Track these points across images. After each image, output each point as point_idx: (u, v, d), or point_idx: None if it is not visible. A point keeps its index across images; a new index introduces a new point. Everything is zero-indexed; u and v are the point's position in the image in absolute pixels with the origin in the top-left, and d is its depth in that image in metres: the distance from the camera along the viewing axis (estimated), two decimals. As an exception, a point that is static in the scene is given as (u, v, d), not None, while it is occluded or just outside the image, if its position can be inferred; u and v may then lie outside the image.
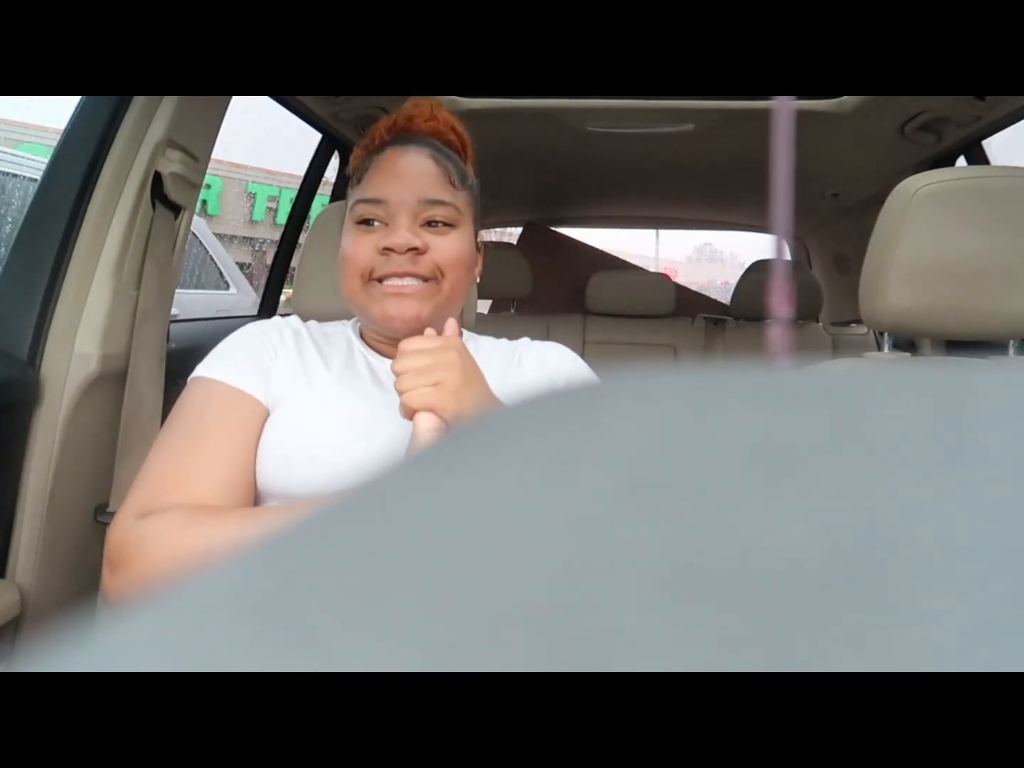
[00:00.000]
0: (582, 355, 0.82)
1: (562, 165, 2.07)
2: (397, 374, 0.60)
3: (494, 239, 3.53)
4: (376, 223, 0.70)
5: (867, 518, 0.10)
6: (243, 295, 4.04)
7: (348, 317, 0.84)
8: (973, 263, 0.80)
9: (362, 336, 0.79)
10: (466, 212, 0.74)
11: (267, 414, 0.68)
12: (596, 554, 0.10)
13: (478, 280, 0.80)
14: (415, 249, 0.68)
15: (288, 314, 0.85)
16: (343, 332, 0.79)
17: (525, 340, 0.81)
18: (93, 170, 0.97)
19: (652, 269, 3.49)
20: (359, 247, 0.70)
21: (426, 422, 0.59)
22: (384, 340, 0.75)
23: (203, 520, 0.58)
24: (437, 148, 0.75)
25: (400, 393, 0.59)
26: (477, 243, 0.78)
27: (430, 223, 0.71)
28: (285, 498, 0.65)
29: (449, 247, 0.71)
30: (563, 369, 0.78)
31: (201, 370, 0.69)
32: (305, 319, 0.81)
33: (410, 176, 0.71)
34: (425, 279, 0.69)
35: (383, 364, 0.74)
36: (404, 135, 0.77)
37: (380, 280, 0.69)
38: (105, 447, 1.00)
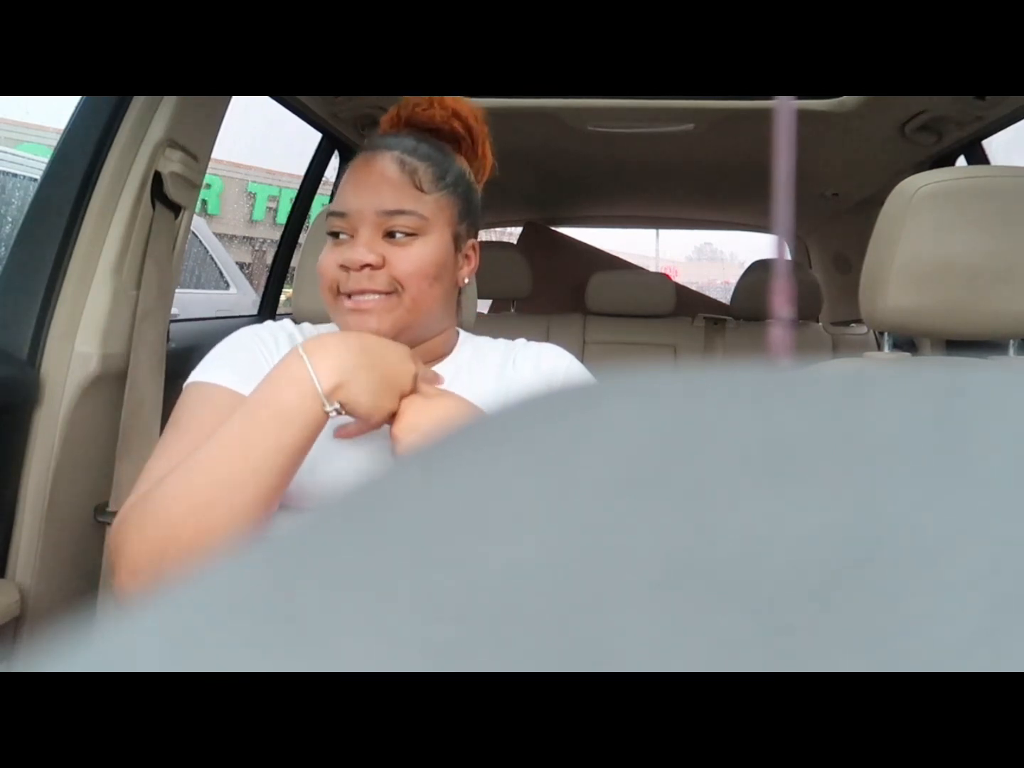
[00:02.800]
0: (582, 355, 0.82)
1: (562, 165, 2.07)
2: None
3: (494, 239, 3.53)
4: (342, 235, 0.70)
5: (867, 518, 0.10)
6: (243, 295, 4.04)
7: None
8: (973, 263, 0.80)
9: None
10: (437, 216, 0.72)
11: None
12: (595, 554, 0.10)
13: (466, 281, 0.79)
14: (370, 265, 0.68)
15: (286, 315, 0.85)
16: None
17: (521, 341, 0.81)
18: (93, 170, 0.97)
19: (652, 269, 3.49)
20: (326, 262, 0.70)
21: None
22: None
23: (167, 479, 0.58)
24: (411, 149, 0.73)
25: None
26: (467, 243, 0.76)
27: (392, 234, 0.69)
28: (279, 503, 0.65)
29: (409, 259, 0.69)
30: (559, 370, 0.78)
31: (197, 375, 0.69)
32: (304, 319, 0.81)
33: (370, 186, 0.70)
34: (385, 293, 0.68)
35: None
36: (387, 136, 0.76)
37: (344, 295, 0.69)
38: (105, 447, 1.00)
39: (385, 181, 0.70)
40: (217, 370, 0.69)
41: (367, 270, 0.68)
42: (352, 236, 0.70)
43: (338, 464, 0.65)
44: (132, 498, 0.61)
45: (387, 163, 0.71)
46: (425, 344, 0.74)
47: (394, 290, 0.69)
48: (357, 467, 0.64)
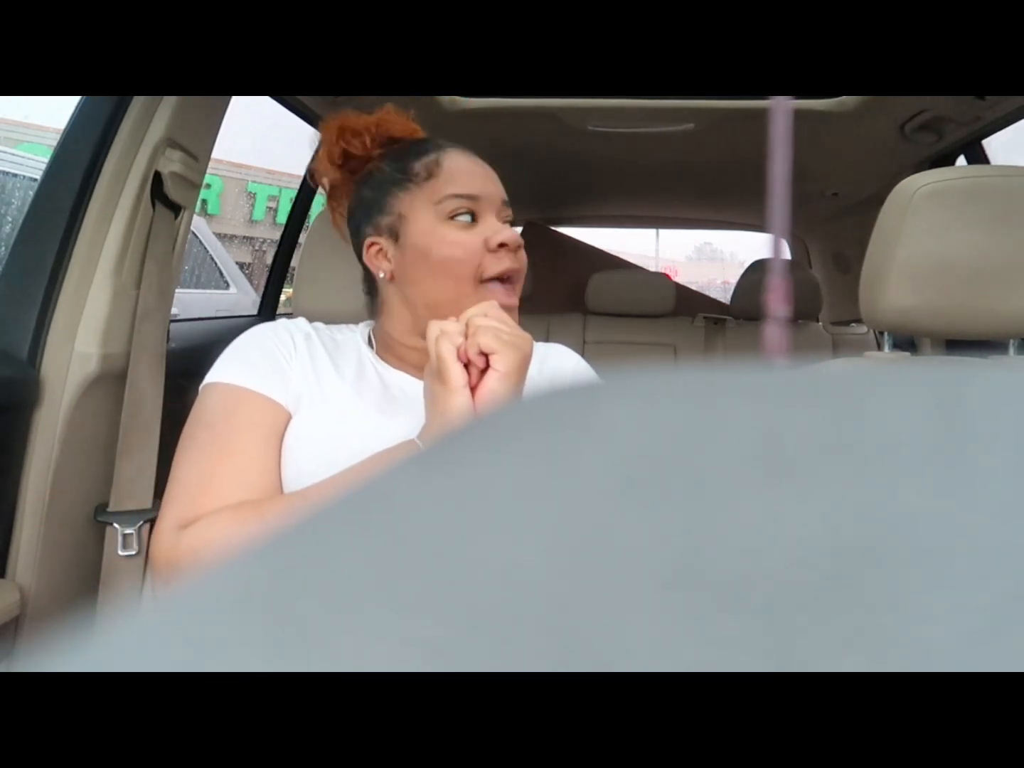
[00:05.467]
0: (582, 355, 0.82)
1: (562, 165, 2.07)
2: (479, 314, 0.60)
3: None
4: (464, 218, 0.70)
5: (867, 518, 0.10)
6: (243, 294, 4.04)
7: (348, 317, 0.83)
8: (973, 263, 0.80)
9: (370, 345, 0.77)
10: None
11: (289, 418, 0.67)
12: (596, 554, 0.10)
13: None
14: (520, 246, 0.70)
15: (285, 315, 0.84)
16: (352, 340, 0.77)
17: None
18: (93, 170, 0.96)
19: (652, 269, 3.49)
20: (464, 247, 0.69)
21: (458, 377, 0.58)
22: (402, 348, 0.75)
23: (251, 515, 0.58)
24: None
25: (474, 325, 0.59)
26: None
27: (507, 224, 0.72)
28: None
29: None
30: (565, 370, 0.78)
31: (219, 375, 0.67)
32: (308, 320, 0.81)
33: (488, 177, 0.73)
34: (515, 280, 0.71)
35: (393, 376, 0.73)
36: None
37: (488, 281, 0.69)
38: (105, 447, 1.00)
39: (494, 175, 0.74)
40: (242, 371, 0.67)
41: (516, 251, 0.70)
42: (475, 221, 0.70)
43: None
44: (181, 511, 0.60)
45: (483, 162, 0.75)
46: None
47: (519, 277, 0.71)
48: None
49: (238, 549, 0.11)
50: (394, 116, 0.79)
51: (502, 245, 0.69)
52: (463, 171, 0.72)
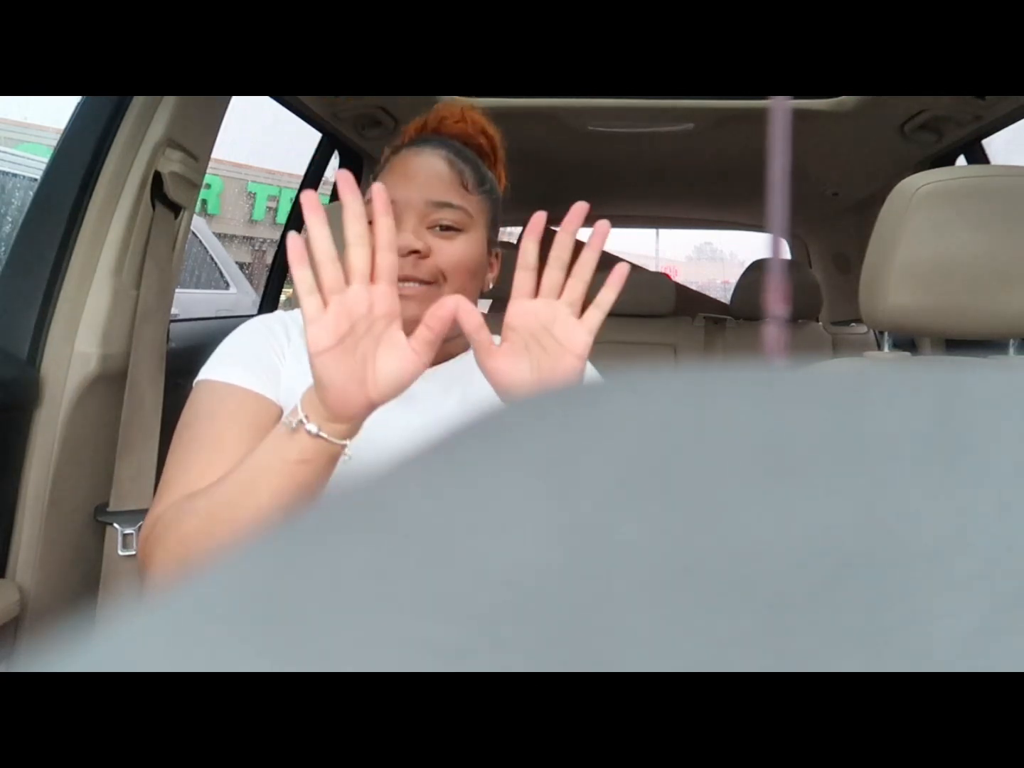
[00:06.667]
0: None
1: (562, 165, 2.07)
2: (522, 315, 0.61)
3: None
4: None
5: (867, 518, 0.10)
6: (243, 294, 4.04)
7: None
8: (973, 263, 0.80)
9: None
10: (478, 217, 0.73)
11: (280, 413, 0.67)
12: (596, 553, 0.10)
13: (491, 286, 0.78)
14: (416, 252, 0.67)
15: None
16: None
17: None
18: (93, 170, 0.97)
19: (652, 269, 3.49)
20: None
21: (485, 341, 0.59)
22: None
23: (199, 495, 0.58)
24: (456, 150, 0.74)
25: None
26: (493, 249, 0.77)
27: (438, 226, 0.70)
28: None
29: (454, 251, 0.70)
30: None
31: (208, 373, 0.68)
32: None
33: (420, 177, 0.71)
34: (426, 283, 0.68)
35: None
36: (430, 136, 0.76)
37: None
38: (105, 447, 1.00)
39: (435, 175, 0.71)
40: (229, 367, 0.68)
41: (413, 257, 0.67)
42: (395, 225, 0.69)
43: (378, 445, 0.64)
44: (157, 508, 0.61)
45: (437, 159, 0.72)
46: (444, 344, 0.75)
47: (435, 280, 0.69)
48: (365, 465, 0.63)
49: (237, 545, 0.11)
50: (447, 112, 0.78)
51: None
52: (394, 174, 0.71)
